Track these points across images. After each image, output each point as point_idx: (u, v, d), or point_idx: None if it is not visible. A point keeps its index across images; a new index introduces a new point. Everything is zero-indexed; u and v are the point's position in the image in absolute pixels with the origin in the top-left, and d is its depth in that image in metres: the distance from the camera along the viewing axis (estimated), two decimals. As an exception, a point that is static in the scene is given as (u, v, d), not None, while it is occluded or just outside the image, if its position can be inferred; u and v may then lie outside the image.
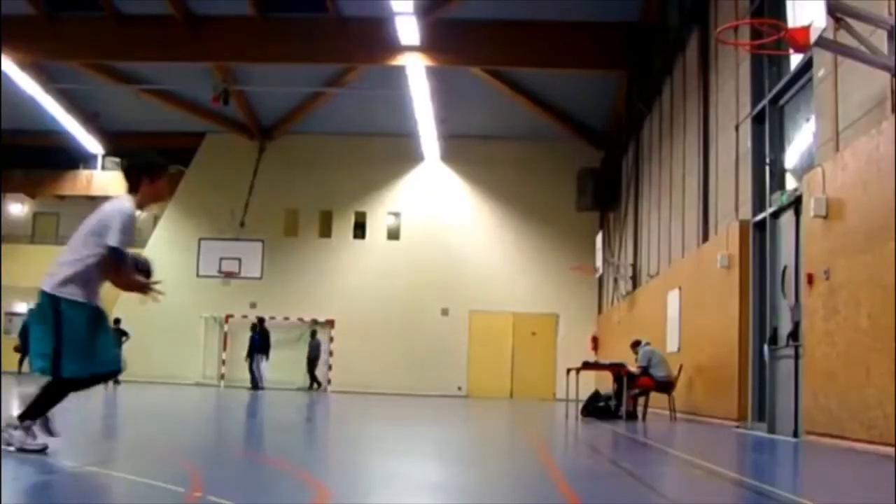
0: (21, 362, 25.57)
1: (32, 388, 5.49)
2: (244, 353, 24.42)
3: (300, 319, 26.78)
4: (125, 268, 5.24)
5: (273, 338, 24.81)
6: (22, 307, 29.66)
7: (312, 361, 25.70)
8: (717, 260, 12.33)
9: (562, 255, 26.12)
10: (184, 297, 26.85)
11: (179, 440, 7.77)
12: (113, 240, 5.01)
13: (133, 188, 5.26)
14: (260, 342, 24.15)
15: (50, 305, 5.07)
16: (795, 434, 9.41)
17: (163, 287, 5.65)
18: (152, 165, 5.30)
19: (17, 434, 5.08)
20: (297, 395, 21.37)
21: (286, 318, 26.63)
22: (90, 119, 27.20)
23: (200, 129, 27.49)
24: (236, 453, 6.81)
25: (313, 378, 25.59)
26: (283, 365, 25.33)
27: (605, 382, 15.73)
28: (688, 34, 15.76)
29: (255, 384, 23.72)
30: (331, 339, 26.78)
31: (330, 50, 21.08)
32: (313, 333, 26.07)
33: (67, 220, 31.16)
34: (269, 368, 24.34)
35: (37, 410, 5.22)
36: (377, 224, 27.71)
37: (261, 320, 24.77)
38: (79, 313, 5.08)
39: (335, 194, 27.43)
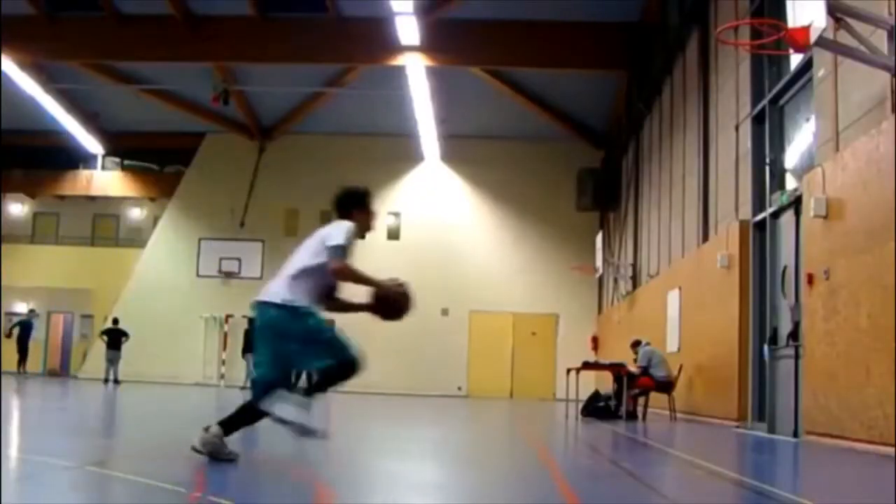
0: (21, 363, 25.50)
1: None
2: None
3: (300, 319, 26.75)
4: (349, 264, 5.35)
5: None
6: (22, 307, 29.67)
7: None
8: (717, 260, 12.33)
9: (562, 255, 26.11)
10: (184, 297, 26.87)
11: (180, 440, 7.77)
12: (335, 241, 5.27)
13: (346, 218, 5.56)
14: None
15: (288, 315, 5.23)
16: (795, 434, 9.40)
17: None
18: (359, 198, 5.70)
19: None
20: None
21: (286, 318, 26.60)
22: (90, 119, 27.19)
23: (200, 129, 27.48)
24: (236, 453, 6.80)
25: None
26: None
27: (605, 382, 15.73)
28: (688, 34, 15.75)
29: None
30: (331, 339, 26.73)
31: (330, 50, 21.07)
32: None
33: (67, 220, 31.20)
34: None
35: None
36: (377, 224, 27.67)
37: (251, 321, 24.62)
38: (303, 320, 5.26)
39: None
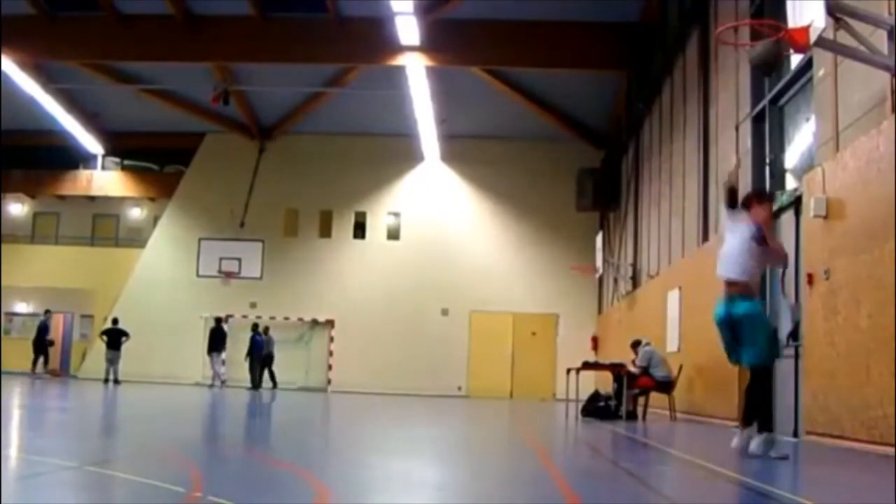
0: (35, 363, 25.10)
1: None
2: (244, 353, 24.42)
3: (300, 319, 26.78)
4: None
5: (274, 338, 24.91)
6: (22, 307, 29.63)
7: (266, 359, 24.65)
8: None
9: (562, 255, 26.11)
10: (184, 297, 26.87)
11: (179, 440, 7.77)
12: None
13: (744, 206, 6.98)
14: (218, 339, 24.08)
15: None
16: (795, 434, 9.41)
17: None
18: (762, 193, 7.02)
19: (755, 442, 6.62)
20: (297, 395, 21.37)
21: (286, 318, 26.63)
22: (90, 119, 27.19)
23: (200, 129, 27.48)
24: (236, 453, 6.81)
25: (270, 376, 24.83)
26: (284, 365, 25.27)
27: (605, 382, 15.73)
28: (688, 34, 15.75)
29: (255, 384, 23.74)
30: (331, 340, 26.76)
31: (330, 50, 21.07)
32: (266, 330, 25.06)
33: (67, 220, 31.14)
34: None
35: (763, 416, 6.81)
36: (377, 224, 27.70)
37: (218, 320, 24.65)
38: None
39: (335, 194, 27.42)
